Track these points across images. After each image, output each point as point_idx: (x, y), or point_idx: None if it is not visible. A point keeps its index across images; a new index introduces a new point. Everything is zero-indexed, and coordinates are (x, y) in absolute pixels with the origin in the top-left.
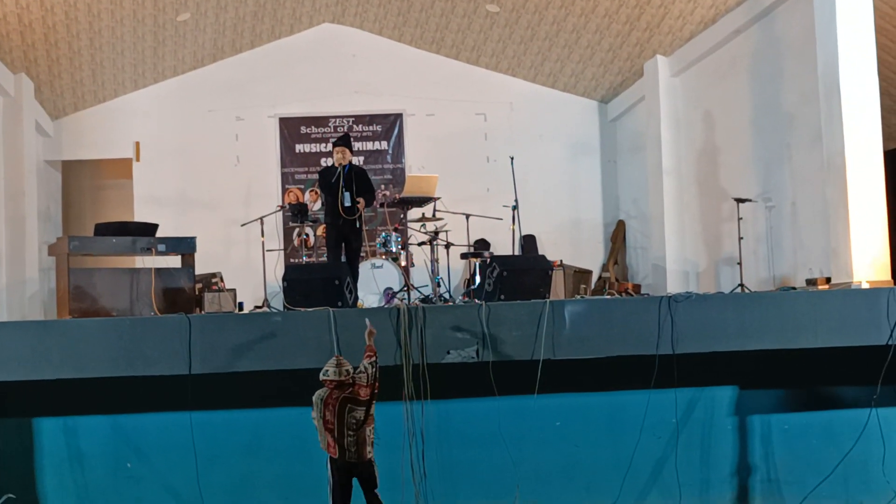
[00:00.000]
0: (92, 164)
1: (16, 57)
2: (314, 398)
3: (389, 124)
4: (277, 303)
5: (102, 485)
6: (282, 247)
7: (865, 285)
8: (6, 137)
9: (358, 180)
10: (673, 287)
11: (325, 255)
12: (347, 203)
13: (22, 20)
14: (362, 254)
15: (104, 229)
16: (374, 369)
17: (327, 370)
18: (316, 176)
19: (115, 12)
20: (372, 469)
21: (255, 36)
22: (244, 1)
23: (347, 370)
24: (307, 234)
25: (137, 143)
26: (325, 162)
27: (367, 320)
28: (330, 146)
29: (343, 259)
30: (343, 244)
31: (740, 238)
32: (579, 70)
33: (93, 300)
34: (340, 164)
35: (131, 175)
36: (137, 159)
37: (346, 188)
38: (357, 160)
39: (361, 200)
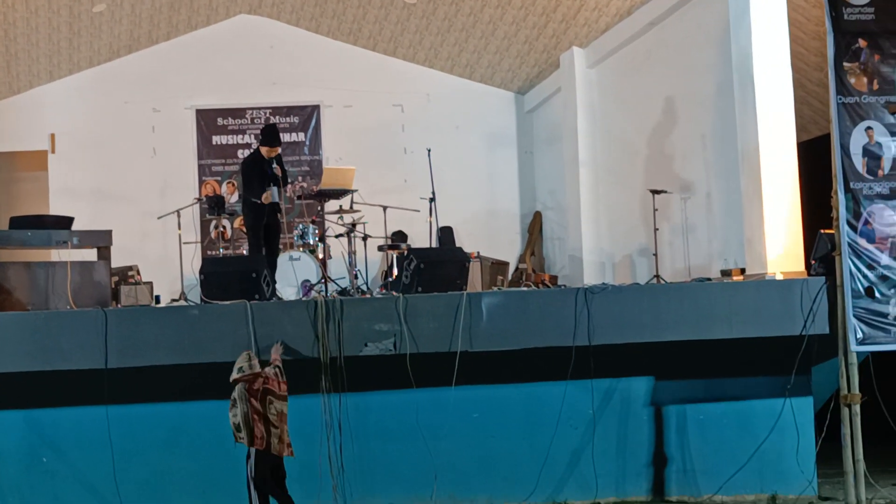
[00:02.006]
0: (6, 156)
1: None
2: (235, 395)
3: (307, 116)
4: (195, 296)
5: (17, 480)
6: (198, 239)
7: (779, 276)
8: None
9: (283, 171)
10: (590, 278)
11: (246, 248)
12: (276, 199)
13: None
14: (280, 246)
15: (19, 222)
16: (280, 370)
17: (241, 367)
18: (234, 168)
19: (29, 2)
20: (283, 464)
21: (171, 27)
22: None
23: (258, 363)
24: (224, 227)
25: (52, 135)
26: (242, 153)
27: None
28: (248, 138)
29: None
30: (267, 233)
31: (656, 229)
32: (496, 61)
33: (7, 294)
34: (268, 157)
35: (46, 167)
36: (52, 151)
37: (275, 184)
38: None
39: (290, 188)
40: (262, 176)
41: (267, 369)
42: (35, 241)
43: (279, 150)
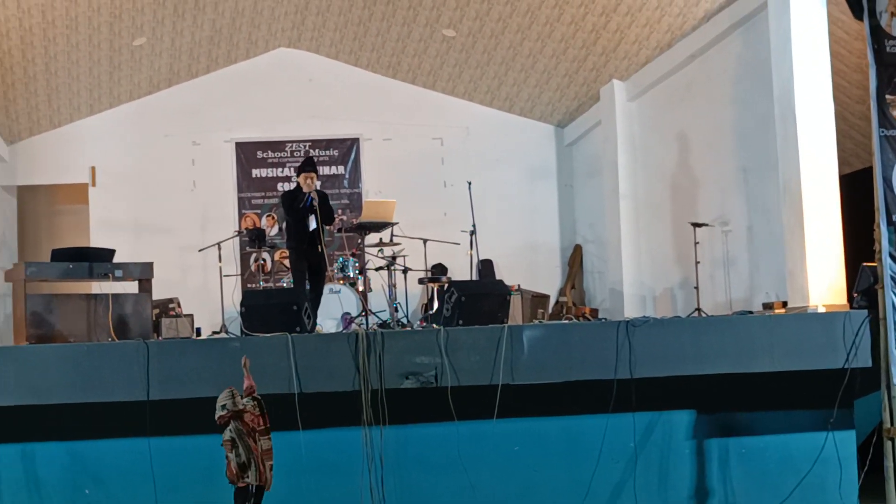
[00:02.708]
0: (48, 189)
1: None
2: (231, 435)
3: (346, 149)
4: (234, 328)
5: None
6: (239, 272)
7: (821, 309)
8: None
9: (322, 203)
10: (630, 311)
11: (290, 279)
12: (313, 226)
13: None
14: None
15: (61, 255)
16: (259, 403)
17: (224, 404)
18: (273, 201)
19: (70, 37)
20: None
21: (210, 61)
22: (200, 26)
23: (240, 400)
24: (264, 260)
25: (93, 168)
26: (282, 186)
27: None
28: (288, 171)
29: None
30: (308, 269)
31: (697, 262)
32: (536, 95)
33: (50, 326)
34: (309, 189)
35: (87, 200)
36: (93, 184)
37: (312, 213)
38: (316, 185)
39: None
40: (294, 209)
41: (245, 401)
42: (77, 274)
43: (315, 179)
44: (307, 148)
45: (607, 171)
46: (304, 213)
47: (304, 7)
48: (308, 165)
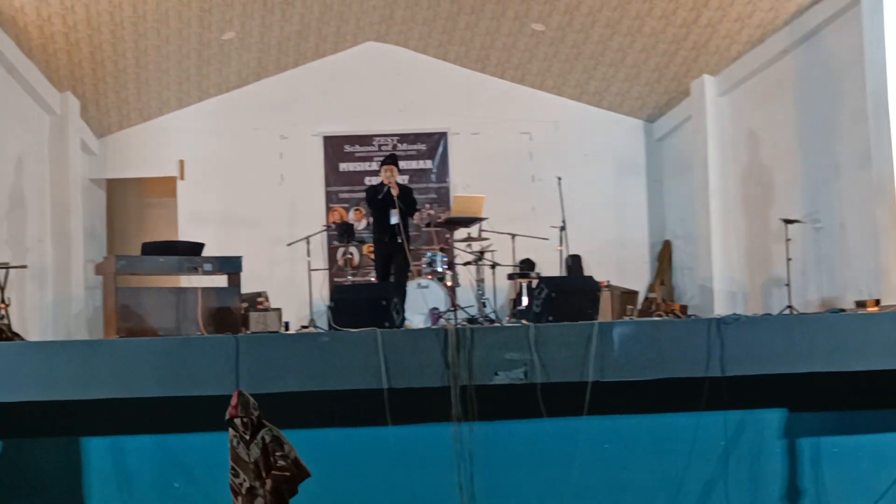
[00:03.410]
0: (137, 182)
1: (62, 75)
2: (276, 434)
3: (434, 143)
4: (323, 322)
5: None
6: (327, 266)
7: None
8: (52, 156)
9: (404, 198)
10: (720, 308)
11: (374, 275)
12: (395, 220)
13: (69, 39)
14: (409, 272)
15: (151, 248)
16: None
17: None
18: (361, 195)
19: (160, 31)
20: None
21: (299, 54)
22: (289, 20)
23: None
24: (352, 254)
25: (182, 162)
26: (370, 181)
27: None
28: (375, 165)
29: (391, 278)
30: (391, 262)
31: (788, 259)
32: (625, 89)
33: (139, 319)
34: (389, 182)
35: (176, 193)
36: (182, 177)
37: (392, 206)
38: (402, 179)
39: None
40: (375, 201)
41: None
42: (167, 267)
43: (395, 172)
44: (395, 142)
45: (697, 167)
46: (384, 205)
47: (393, 1)
48: (389, 159)
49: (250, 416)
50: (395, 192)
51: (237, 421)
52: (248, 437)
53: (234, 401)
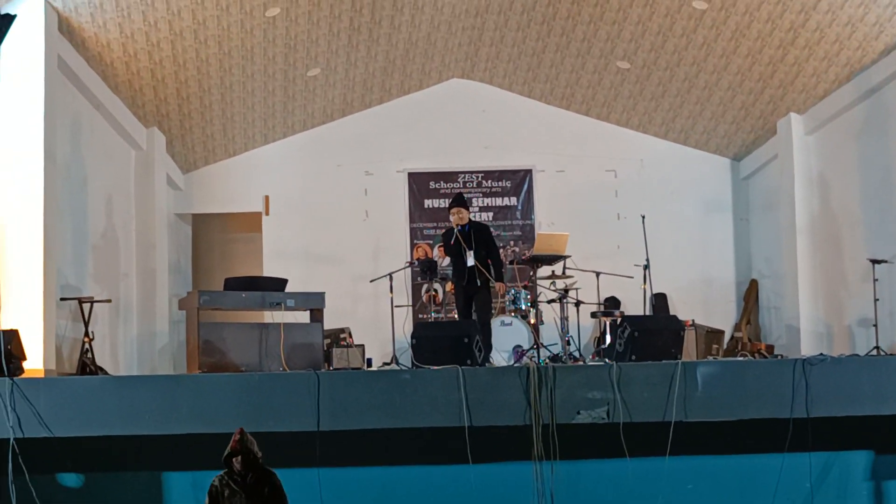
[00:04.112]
0: (222, 217)
1: (148, 111)
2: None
3: (519, 180)
4: (406, 359)
5: None
6: (410, 303)
7: None
8: (138, 191)
9: (478, 237)
10: (806, 348)
11: (455, 312)
12: (471, 262)
13: (155, 75)
14: (492, 310)
15: (234, 284)
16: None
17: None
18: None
19: (245, 67)
20: None
21: (384, 91)
22: (374, 57)
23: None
24: (436, 291)
25: (267, 197)
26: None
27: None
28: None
29: (473, 317)
30: (472, 305)
31: (876, 299)
32: (711, 127)
33: (222, 354)
34: (458, 225)
35: (260, 229)
36: (267, 213)
37: (468, 247)
38: (486, 216)
39: (500, 286)
40: (449, 246)
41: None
42: (249, 303)
43: (463, 213)
44: (479, 179)
45: (784, 205)
46: (457, 248)
47: (478, 38)
48: (454, 202)
49: (253, 454)
50: (462, 233)
51: (236, 460)
52: (240, 482)
53: (236, 436)
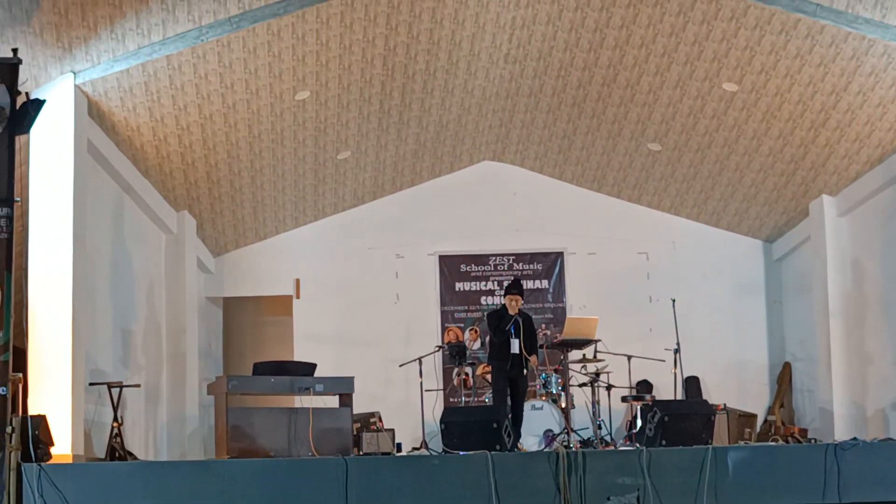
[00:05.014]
0: (253, 300)
1: (179, 195)
2: None
3: (550, 263)
4: (436, 444)
5: None
6: (440, 387)
7: None
8: (169, 274)
9: (526, 327)
10: (840, 432)
11: (490, 396)
12: (516, 350)
13: (185, 159)
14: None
15: (263, 368)
16: None
17: None
18: (476, 314)
19: (275, 150)
20: None
21: (415, 174)
22: (404, 140)
23: None
24: (466, 374)
25: (297, 281)
26: (486, 300)
27: None
28: (492, 284)
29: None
30: (510, 388)
31: None
32: (743, 209)
33: (251, 440)
34: (512, 312)
35: (291, 312)
36: (297, 296)
37: (515, 335)
38: None
39: (534, 359)
40: (499, 330)
41: None
42: (278, 388)
43: (520, 302)
44: (511, 262)
45: (817, 288)
46: (508, 335)
47: (509, 121)
48: (514, 288)
49: None
50: (520, 326)
51: None
52: None
53: None
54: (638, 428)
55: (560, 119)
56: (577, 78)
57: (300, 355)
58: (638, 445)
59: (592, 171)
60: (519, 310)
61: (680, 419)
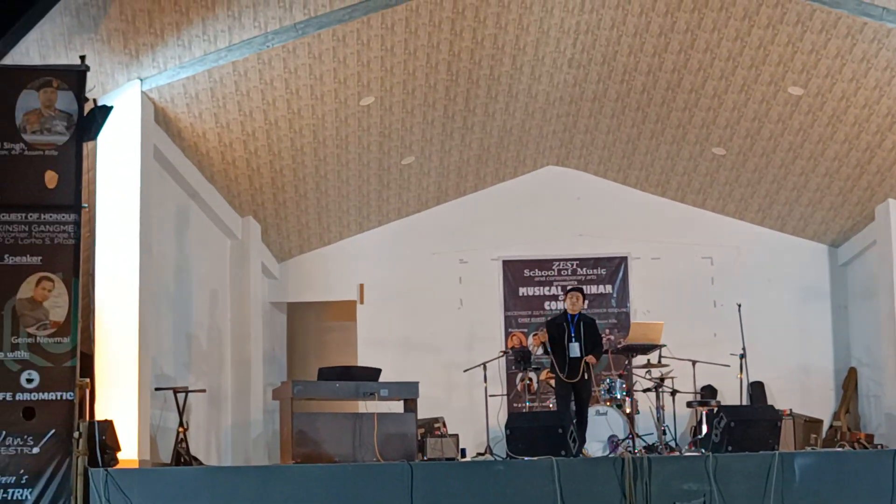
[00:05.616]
0: (316, 305)
1: (244, 201)
2: None
3: (614, 268)
4: (500, 449)
5: None
6: (504, 392)
7: None
8: (234, 280)
9: (587, 331)
10: None
11: (552, 401)
12: (576, 354)
13: (250, 164)
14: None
15: (328, 373)
16: None
17: None
18: (540, 320)
19: (340, 156)
20: None
21: (478, 179)
22: (468, 145)
23: None
24: (530, 380)
25: (361, 286)
26: (549, 305)
27: None
28: (555, 289)
29: (573, 407)
30: (571, 396)
31: None
32: (808, 213)
33: (316, 445)
34: (572, 312)
35: (355, 317)
36: (361, 301)
37: (576, 339)
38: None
39: (592, 358)
40: (553, 337)
41: None
42: (343, 393)
43: (580, 300)
44: (574, 266)
45: (883, 293)
46: (565, 340)
47: (573, 125)
48: (574, 288)
49: None
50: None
51: None
52: None
53: None
54: (703, 433)
55: (624, 123)
56: (641, 82)
57: (364, 360)
58: (703, 451)
59: (656, 176)
60: (581, 312)
61: (746, 425)
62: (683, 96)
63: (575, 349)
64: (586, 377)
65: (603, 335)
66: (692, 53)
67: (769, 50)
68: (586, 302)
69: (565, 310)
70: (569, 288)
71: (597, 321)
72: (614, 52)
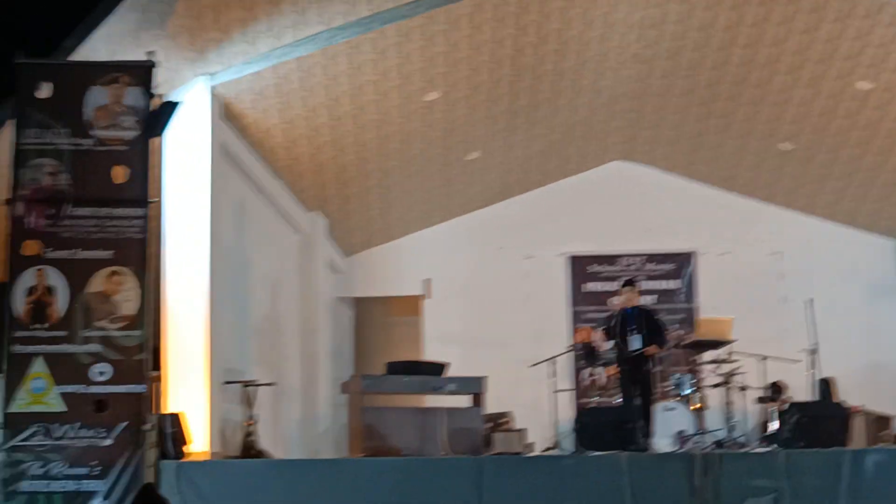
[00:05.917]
0: (382, 300)
1: (309, 196)
2: None
3: (681, 263)
4: (567, 444)
5: None
6: (572, 387)
7: None
8: (301, 274)
9: (647, 322)
10: None
11: (619, 394)
12: (636, 346)
13: (315, 160)
14: (653, 395)
15: (396, 368)
16: None
17: None
18: (605, 314)
19: (404, 152)
20: None
21: (543, 174)
22: (533, 140)
23: None
24: (598, 375)
25: (428, 281)
26: (615, 301)
27: None
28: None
29: (637, 402)
30: (633, 388)
31: None
32: (878, 208)
33: (383, 439)
34: (625, 307)
35: (421, 312)
36: (428, 296)
37: (636, 331)
38: (650, 299)
39: (652, 348)
40: (612, 328)
41: None
42: (411, 387)
43: (635, 294)
44: (641, 262)
45: None
46: (622, 331)
47: (637, 121)
48: (627, 282)
49: None
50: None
51: None
52: None
53: None
54: (773, 429)
55: (689, 119)
56: (706, 77)
57: (431, 355)
58: (774, 447)
59: (723, 170)
60: (637, 306)
61: (817, 421)
62: (750, 91)
63: (633, 342)
64: (644, 368)
65: (670, 331)
66: (759, 48)
67: (837, 44)
68: (654, 297)
69: (622, 308)
70: (622, 282)
71: (661, 314)
72: (679, 46)
